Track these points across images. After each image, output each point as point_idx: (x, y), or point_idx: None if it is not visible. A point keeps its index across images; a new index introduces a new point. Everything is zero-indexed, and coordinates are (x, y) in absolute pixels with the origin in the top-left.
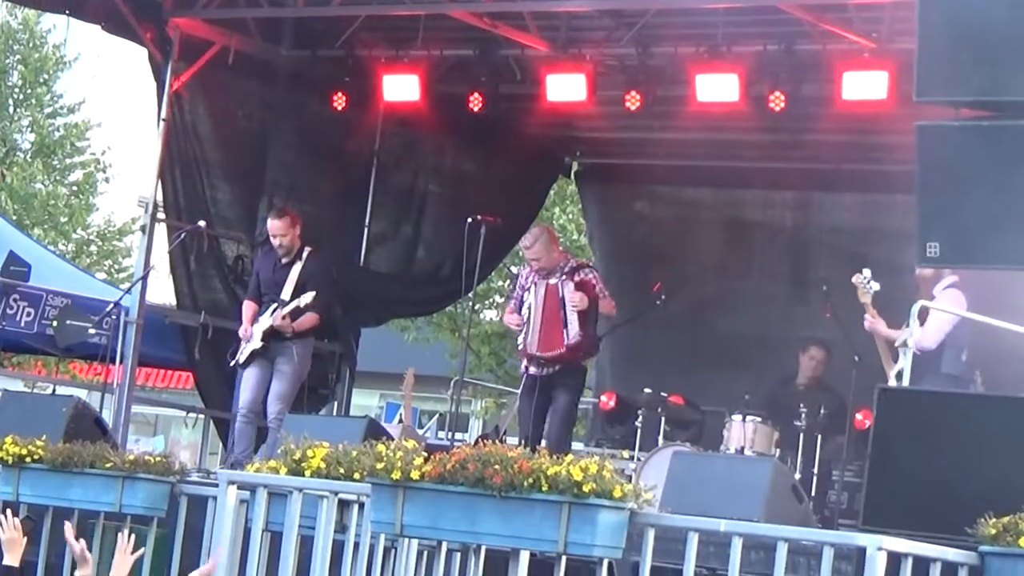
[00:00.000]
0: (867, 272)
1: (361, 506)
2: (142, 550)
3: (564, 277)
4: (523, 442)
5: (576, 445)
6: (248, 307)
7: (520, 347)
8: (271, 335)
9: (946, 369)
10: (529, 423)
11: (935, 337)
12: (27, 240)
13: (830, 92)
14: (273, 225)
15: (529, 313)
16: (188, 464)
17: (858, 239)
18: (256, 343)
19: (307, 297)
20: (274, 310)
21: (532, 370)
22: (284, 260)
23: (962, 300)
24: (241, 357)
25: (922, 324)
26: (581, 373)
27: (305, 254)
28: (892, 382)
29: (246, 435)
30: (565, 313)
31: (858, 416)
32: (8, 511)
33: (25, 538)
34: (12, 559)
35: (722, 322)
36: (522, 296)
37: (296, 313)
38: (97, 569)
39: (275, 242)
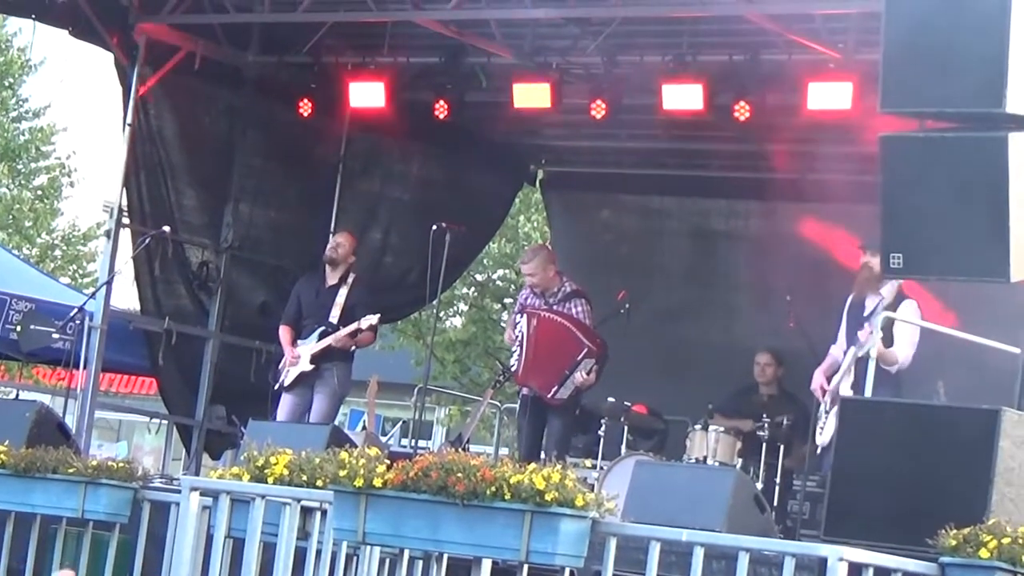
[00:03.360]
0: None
1: (324, 513)
2: None
3: (562, 311)
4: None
5: None
6: (286, 332)
7: (513, 368)
8: (320, 357)
9: (904, 378)
10: (524, 443)
11: (910, 352)
12: None
13: (795, 102)
14: (340, 234)
15: (520, 338)
16: (151, 470)
17: (822, 249)
18: (306, 365)
19: (372, 319)
20: (323, 333)
21: (525, 391)
22: (330, 283)
23: (920, 311)
24: (287, 380)
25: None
26: (576, 399)
27: (351, 279)
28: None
29: None
30: (571, 377)
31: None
32: None
33: None
34: None
35: (686, 331)
36: (517, 317)
37: (355, 333)
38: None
39: (331, 248)
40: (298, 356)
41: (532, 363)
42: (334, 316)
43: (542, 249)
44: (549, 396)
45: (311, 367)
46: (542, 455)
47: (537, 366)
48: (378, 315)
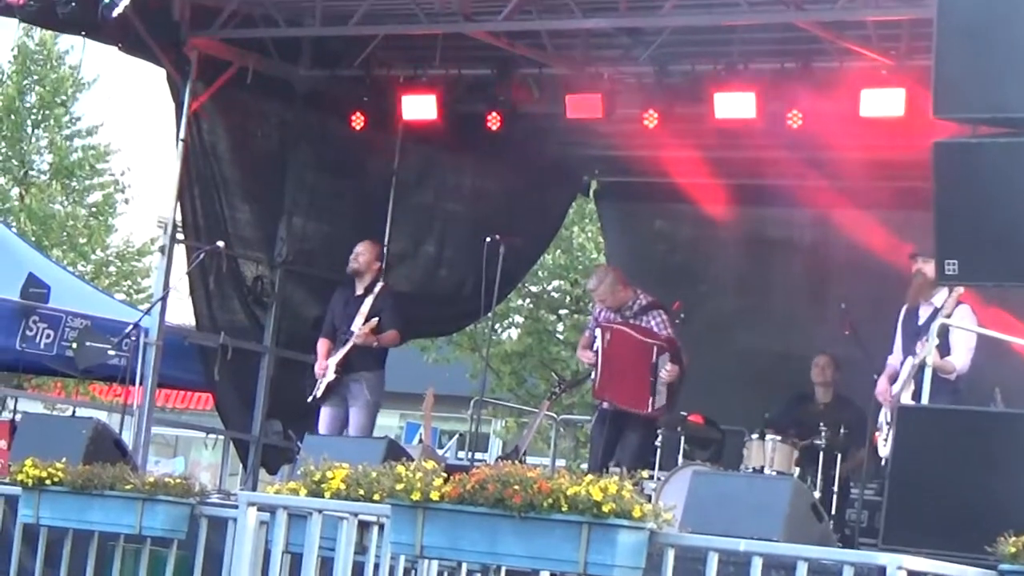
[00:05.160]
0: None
1: (381, 527)
2: None
3: (639, 324)
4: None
5: None
6: (322, 344)
7: (592, 384)
8: (344, 367)
9: (962, 385)
10: (598, 454)
11: (968, 357)
12: (46, 262)
13: (848, 109)
14: (361, 244)
15: (597, 355)
16: (208, 485)
17: (877, 256)
18: (331, 375)
19: (372, 322)
20: (345, 342)
21: (605, 406)
22: (358, 293)
23: (975, 316)
24: (318, 392)
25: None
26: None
27: (377, 288)
28: (908, 400)
29: None
30: (656, 381)
31: (877, 433)
32: None
33: None
34: None
35: (742, 340)
36: (594, 332)
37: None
38: None
39: (352, 259)
40: (325, 367)
41: (609, 376)
42: (356, 324)
43: (609, 271)
44: (648, 411)
45: (335, 376)
46: (610, 467)
47: (616, 380)
48: (376, 318)
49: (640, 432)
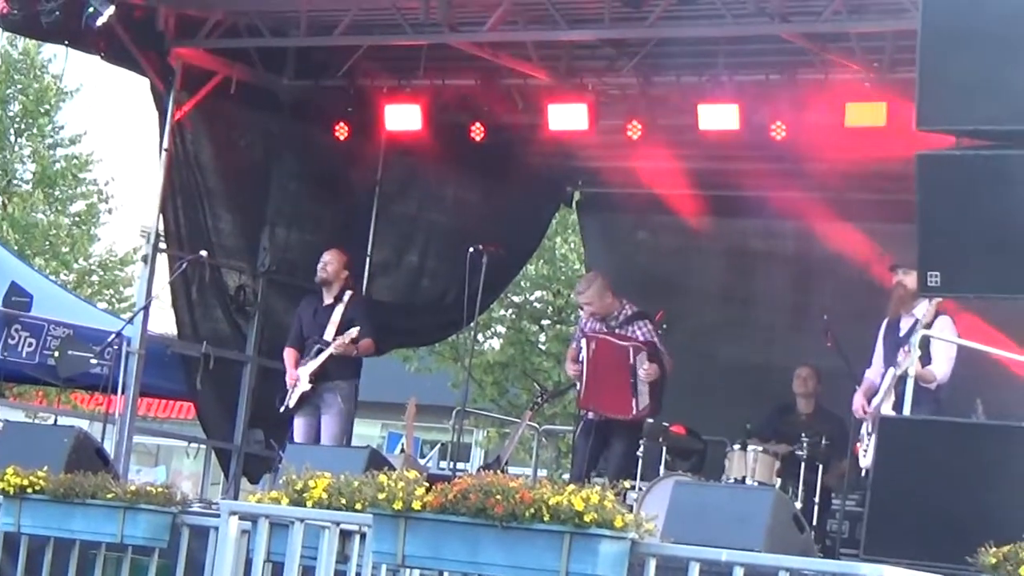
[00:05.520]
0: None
1: (363, 536)
2: None
3: (625, 334)
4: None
5: None
6: (290, 354)
7: (577, 395)
8: (318, 376)
9: (944, 396)
10: (582, 463)
11: (948, 367)
12: (29, 270)
13: (831, 121)
14: (327, 254)
15: (583, 365)
16: (190, 495)
17: (859, 268)
18: (305, 385)
19: (352, 332)
20: (318, 351)
21: (591, 416)
22: (327, 302)
23: (954, 327)
24: (291, 402)
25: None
26: (640, 423)
27: (347, 297)
28: (889, 411)
29: None
30: (636, 381)
31: (858, 444)
32: None
33: None
34: None
35: (723, 351)
36: (580, 343)
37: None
38: None
39: (320, 268)
40: (298, 377)
41: (594, 386)
42: (329, 334)
43: (596, 277)
44: (634, 414)
45: (309, 386)
46: (593, 477)
47: (601, 388)
48: (358, 328)
49: (625, 442)
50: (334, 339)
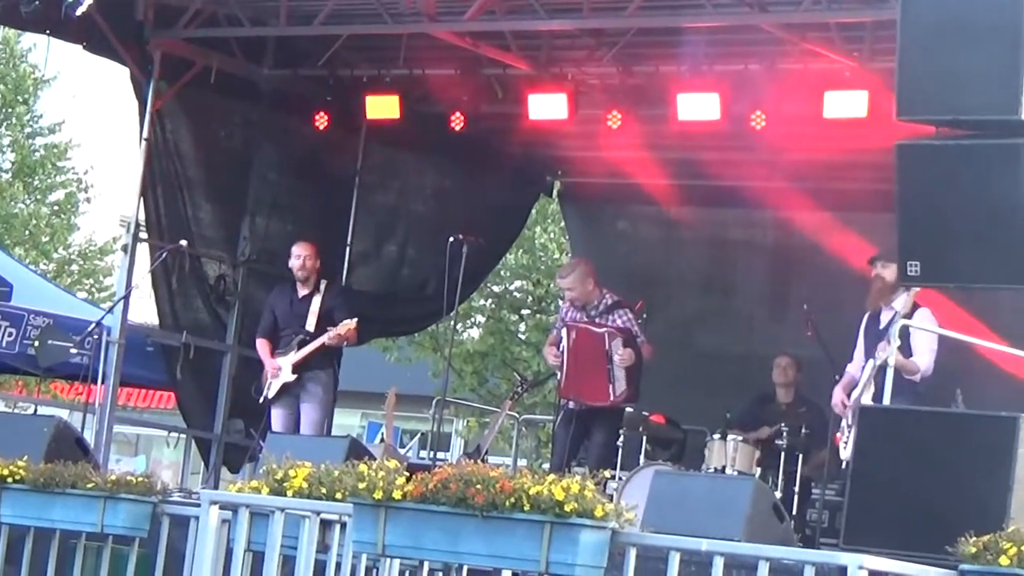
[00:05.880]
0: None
1: (343, 526)
2: None
3: (608, 325)
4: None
5: None
6: (263, 344)
7: (558, 383)
8: (302, 366)
9: (923, 388)
10: (563, 452)
11: (930, 359)
12: (8, 260)
13: (811, 111)
14: (299, 247)
15: (563, 354)
16: (170, 484)
17: (840, 258)
18: (288, 376)
19: (349, 324)
20: (301, 342)
21: (571, 405)
22: (303, 293)
23: (934, 318)
24: (270, 392)
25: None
26: (620, 409)
27: (323, 286)
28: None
29: None
30: (612, 367)
31: (839, 436)
32: None
33: None
34: None
35: (704, 341)
36: (561, 331)
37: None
38: None
39: (297, 263)
40: (279, 368)
41: (575, 374)
42: (310, 324)
43: (580, 263)
44: (612, 400)
45: (293, 377)
46: (573, 467)
47: (580, 377)
48: (355, 319)
49: (606, 432)
50: (316, 330)
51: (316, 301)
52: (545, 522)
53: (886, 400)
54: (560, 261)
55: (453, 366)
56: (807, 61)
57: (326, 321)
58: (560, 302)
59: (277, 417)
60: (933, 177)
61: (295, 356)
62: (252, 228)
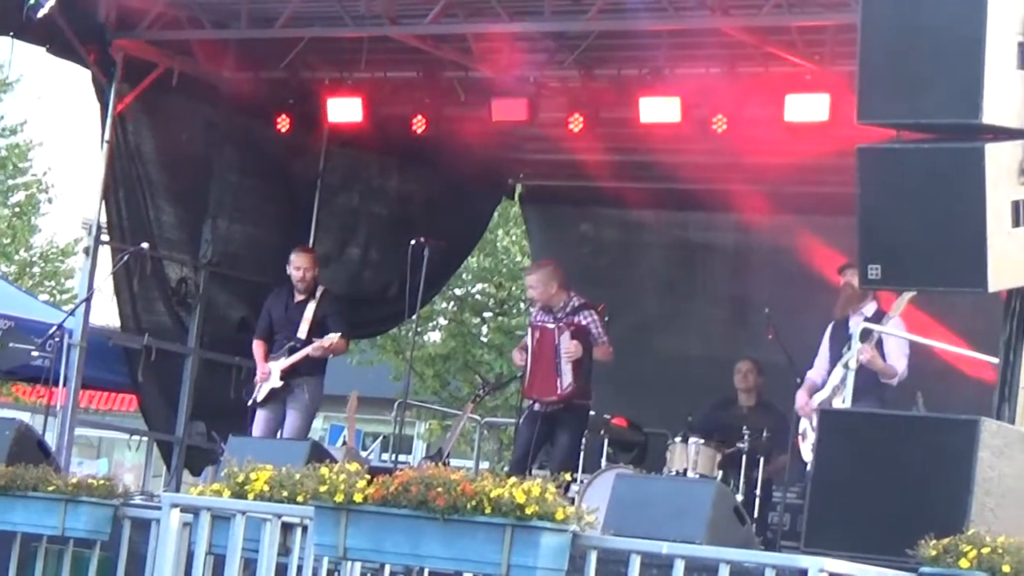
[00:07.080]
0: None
1: (304, 529)
2: None
3: (563, 323)
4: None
5: None
6: (259, 347)
7: (522, 384)
8: (289, 373)
9: (889, 394)
10: (525, 448)
11: (904, 361)
12: None
13: (772, 114)
14: (298, 258)
15: (526, 355)
16: (131, 487)
17: (801, 261)
18: (276, 381)
19: (332, 337)
20: (291, 349)
21: (536, 406)
22: (299, 298)
23: (903, 324)
24: (259, 396)
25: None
26: (584, 412)
27: (319, 293)
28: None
29: None
30: (559, 362)
31: (800, 439)
32: None
33: None
34: None
35: (665, 344)
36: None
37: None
38: None
39: (298, 274)
40: (268, 372)
41: (534, 373)
42: (302, 331)
43: (549, 263)
44: (559, 394)
45: (281, 383)
46: (535, 470)
47: (537, 374)
48: (339, 334)
49: (569, 435)
50: (308, 338)
51: (310, 308)
52: (506, 525)
53: (848, 402)
54: (522, 264)
55: (415, 369)
56: (769, 64)
57: (318, 329)
58: (521, 304)
59: (260, 420)
60: (894, 181)
61: (285, 362)
62: (214, 231)
